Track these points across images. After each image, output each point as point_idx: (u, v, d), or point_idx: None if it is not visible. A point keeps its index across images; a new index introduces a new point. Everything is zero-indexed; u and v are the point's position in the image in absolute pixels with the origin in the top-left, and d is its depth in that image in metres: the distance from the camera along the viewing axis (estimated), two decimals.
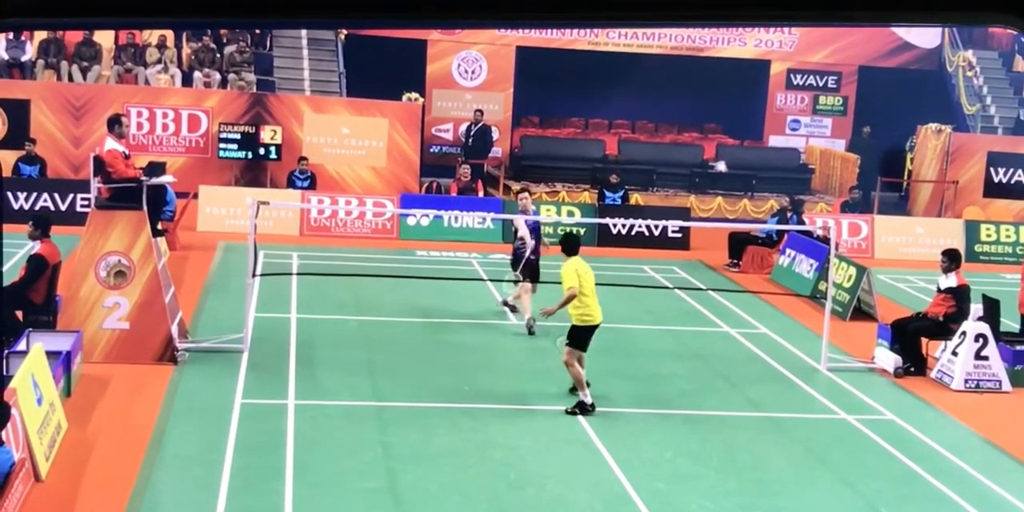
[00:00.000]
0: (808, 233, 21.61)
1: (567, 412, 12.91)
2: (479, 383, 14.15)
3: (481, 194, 25.88)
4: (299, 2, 1.58)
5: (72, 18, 1.63)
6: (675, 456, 11.95)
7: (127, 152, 15.02)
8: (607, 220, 24.11)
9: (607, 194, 25.86)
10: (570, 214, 25.10)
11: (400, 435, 12.12)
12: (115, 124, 15.19)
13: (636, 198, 27.19)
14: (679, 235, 24.78)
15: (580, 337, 13.04)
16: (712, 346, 16.73)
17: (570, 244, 13.38)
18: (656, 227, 24.20)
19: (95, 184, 14.75)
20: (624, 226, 24.47)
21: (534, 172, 29.37)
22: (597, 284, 13.28)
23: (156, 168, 15.87)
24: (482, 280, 19.81)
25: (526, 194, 18.75)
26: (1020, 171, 28.75)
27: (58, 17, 1.61)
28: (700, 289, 20.02)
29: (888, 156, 30.24)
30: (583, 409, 12.88)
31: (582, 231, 13.59)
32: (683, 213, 26.16)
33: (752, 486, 11.27)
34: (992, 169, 28.91)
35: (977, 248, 25.56)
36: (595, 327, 13.10)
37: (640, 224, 24.14)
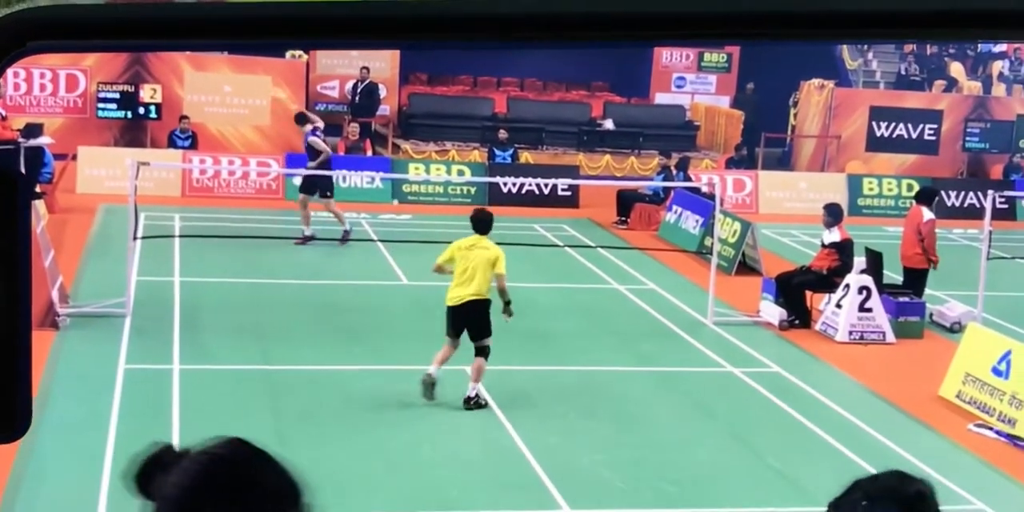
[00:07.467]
0: (695, 189, 21.79)
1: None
2: (370, 345, 14.06)
3: (370, 153, 25.59)
4: (330, 25, 1.52)
5: (98, 41, 1.58)
6: (567, 411, 12.01)
7: (3, 113, 14.58)
8: (497, 179, 24.06)
9: (497, 152, 25.79)
10: (460, 173, 25.01)
11: (290, 399, 12.01)
12: None
13: (526, 156, 27.16)
14: (568, 193, 24.83)
15: (447, 317, 12.04)
16: (601, 302, 16.83)
17: (473, 222, 12.12)
18: (546, 185, 24.22)
19: None
20: (514, 185, 24.44)
21: (423, 130, 29.13)
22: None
23: (34, 129, 15.47)
24: (372, 241, 19.65)
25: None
26: (902, 125, 29.26)
27: (83, 40, 1.55)
28: (589, 246, 20.11)
29: (773, 112, 30.57)
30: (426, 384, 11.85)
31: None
32: (572, 171, 26.19)
33: (643, 439, 11.39)
34: (874, 123, 29.36)
35: (860, 202, 26.02)
36: (452, 309, 11.91)
37: (530, 182, 24.13)
